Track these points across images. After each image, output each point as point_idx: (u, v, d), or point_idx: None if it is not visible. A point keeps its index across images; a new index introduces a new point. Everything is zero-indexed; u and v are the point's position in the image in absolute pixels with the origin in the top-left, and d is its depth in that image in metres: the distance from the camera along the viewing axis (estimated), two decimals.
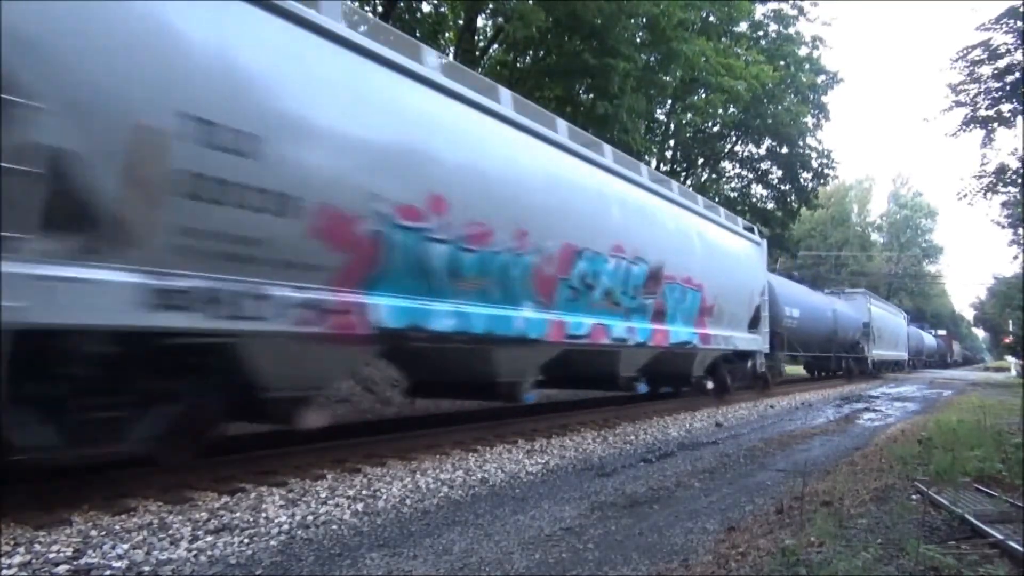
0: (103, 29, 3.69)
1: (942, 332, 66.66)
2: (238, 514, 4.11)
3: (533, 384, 7.49)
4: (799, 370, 24.81)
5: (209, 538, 3.67)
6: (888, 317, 32.12)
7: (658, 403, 11.46)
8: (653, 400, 11.24)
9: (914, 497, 4.75)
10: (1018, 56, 14.41)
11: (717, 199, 26.77)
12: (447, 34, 18.33)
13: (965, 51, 15.16)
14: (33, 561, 3.21)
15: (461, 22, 17.31)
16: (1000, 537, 3.55)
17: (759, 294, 13.27)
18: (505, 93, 7.09)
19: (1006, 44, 14.44)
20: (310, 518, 4.16)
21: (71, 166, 3.51)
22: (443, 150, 5.93)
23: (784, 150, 25.31)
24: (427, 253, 5.72)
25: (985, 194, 16.84)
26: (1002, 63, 14.61)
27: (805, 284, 24.00)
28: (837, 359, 23.61)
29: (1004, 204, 18.60)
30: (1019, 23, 13.93)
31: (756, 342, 13.16)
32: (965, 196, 17.34)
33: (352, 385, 10.25)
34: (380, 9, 16.56)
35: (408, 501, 4.70)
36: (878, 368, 28.73)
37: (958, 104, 15.70)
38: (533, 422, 8.47)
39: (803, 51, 24.97)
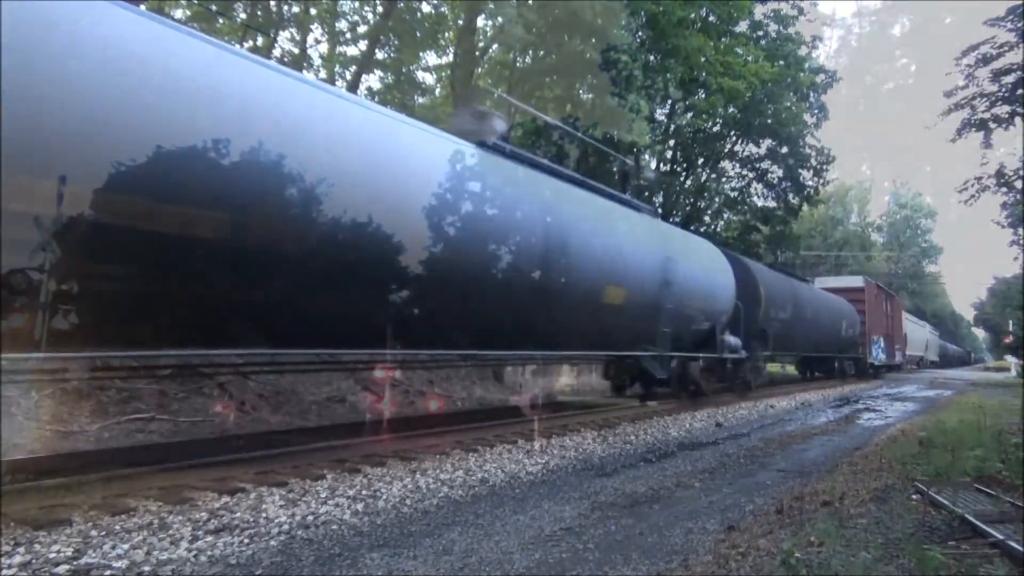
0: None
1: (856, 284, 25.56)
2: (238, 514, 4.11)
3: None
4: None
5: (209, 538, 3.67)
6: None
7: (656, 403, 11.54)
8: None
9: (914, 497, 4.75)
10: (1017, 56, 14.40)
11: (718, 199, 26.75)
12: (447, 34, 18.32)
13: (963, 54, 15.19)
14: (33, 561, 3.22)
15: (461, 22, 17.30)
16: (1000, 537, 3.56)
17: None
18: None
19: (1008, 43, 14.41)
20: (310, 518, 4.16)
21: None
22: None
23: (784, 149, 25.32)
24: None
25: (980, 192, 16.83)
26: (998, 64, 14.60)
27: None
28: None
29: (1004, 204, 18.58)
30: (1021, 23, 13.91)
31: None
32: (964, 190, 17.34)
33: (351, 385, 10.24)
34: (380, 9, 16.54)
35: (408, 501, 4.70)
36: None
37: (957, 107, 15.69)
38: (533, 422, 8.45)
39: (803, 51, 24.97)
